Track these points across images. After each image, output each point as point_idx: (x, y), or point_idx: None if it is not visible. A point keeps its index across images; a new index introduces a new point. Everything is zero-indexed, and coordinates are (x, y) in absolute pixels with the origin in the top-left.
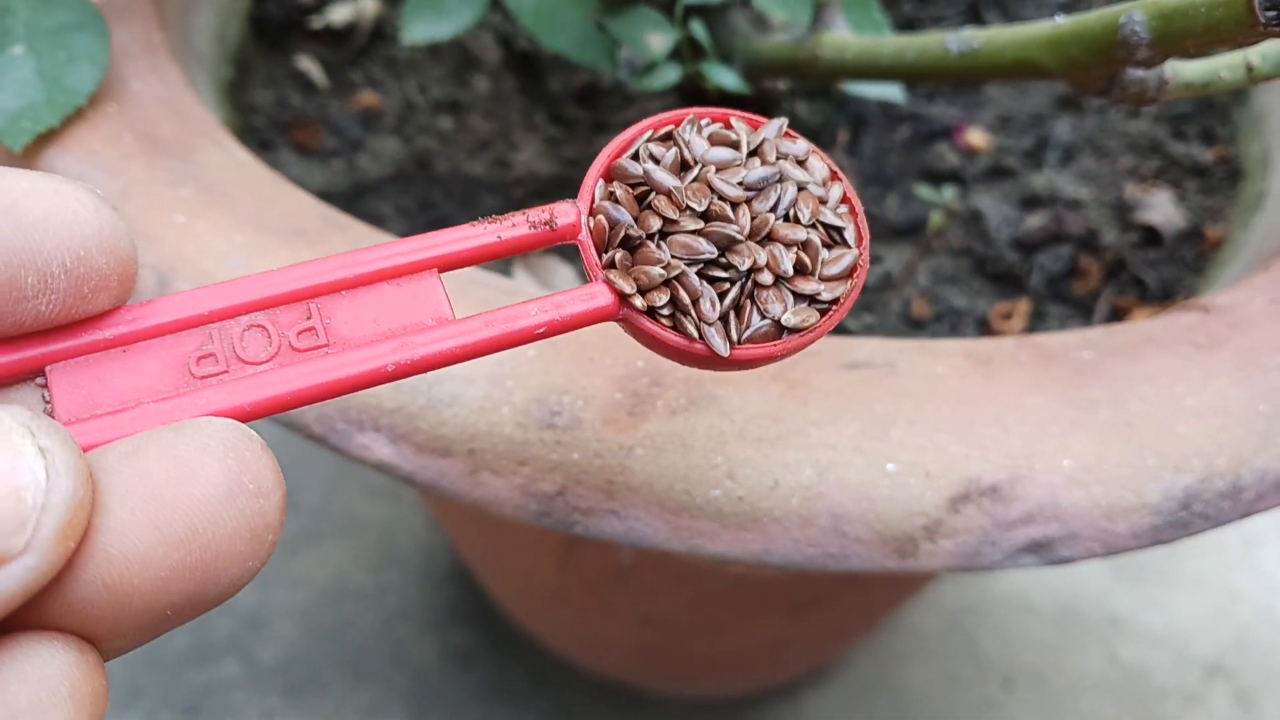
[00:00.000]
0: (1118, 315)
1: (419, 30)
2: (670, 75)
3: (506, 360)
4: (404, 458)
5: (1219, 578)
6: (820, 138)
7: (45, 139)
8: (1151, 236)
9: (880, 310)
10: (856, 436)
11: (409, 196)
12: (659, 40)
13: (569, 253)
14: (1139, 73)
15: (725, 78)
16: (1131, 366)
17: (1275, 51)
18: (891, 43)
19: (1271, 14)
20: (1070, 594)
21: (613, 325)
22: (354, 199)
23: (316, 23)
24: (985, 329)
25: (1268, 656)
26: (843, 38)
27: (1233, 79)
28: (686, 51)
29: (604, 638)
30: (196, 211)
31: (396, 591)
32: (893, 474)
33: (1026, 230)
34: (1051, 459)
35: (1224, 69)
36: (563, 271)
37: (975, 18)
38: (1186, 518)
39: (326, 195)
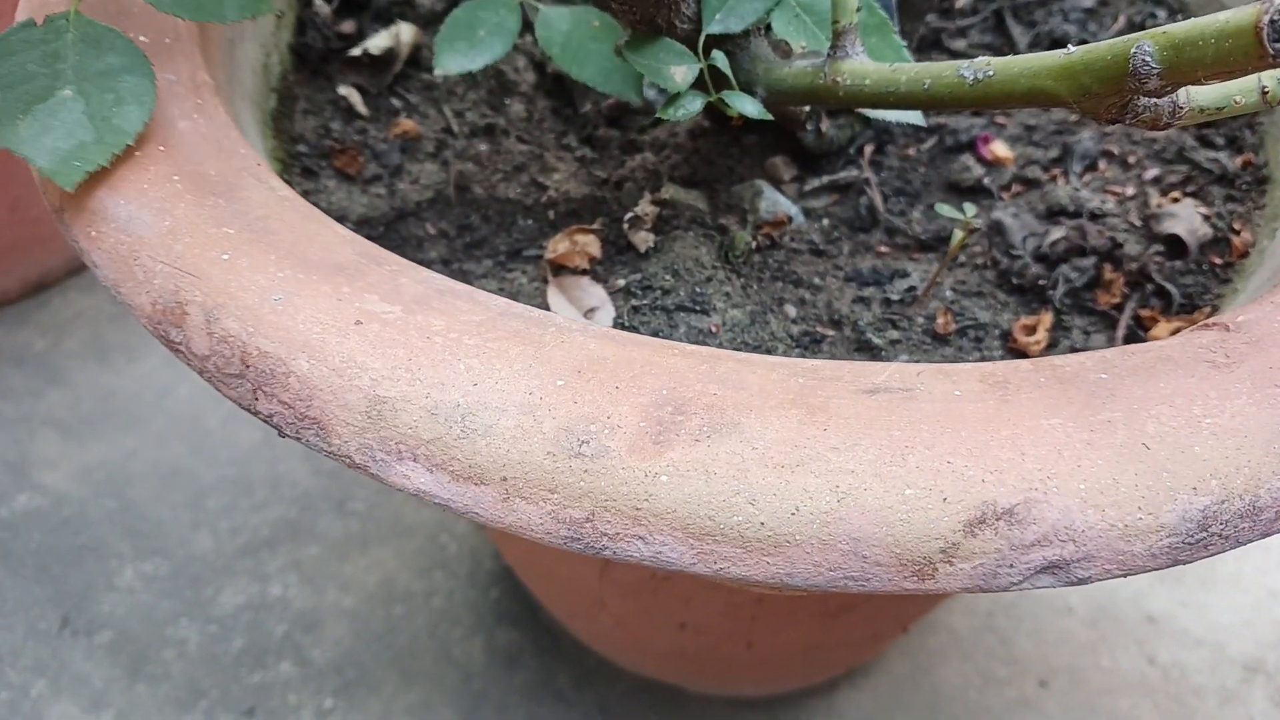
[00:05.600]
0: (1142, 327)
1: (451, 63)
2: (694, 106)
3: (536, 390)
4: (441, 486)
5: (1257, 577)
6: (846, 153)
7: (96, 180)
8: (1176, 247)
9: (905, 325)
10: (875, 462)
11: (447, 220)
12: (682, 73)
13: (601, 274)
14: (1152, 99)
15: (747, 106)
16: (1148, 387)
17: None
18: (908, 70)
19: None
20: (1106, 594)
21: (642, 353)
22: (394, 223)
23: (356, 51)
24: (1009, 342)
25: None
26: (861, 65)
27: (1247, 103)
28: (709, 81)
29: (642, 642)
30: (240, 249)
31: (444, 594)
32: (910, 498)
33: (1050, 243)
34: (1067, 481)
35: (1238, 93)
36: (594, 291)
37: (1000, 27)
38: (1205, 538)
39: (367, 220)
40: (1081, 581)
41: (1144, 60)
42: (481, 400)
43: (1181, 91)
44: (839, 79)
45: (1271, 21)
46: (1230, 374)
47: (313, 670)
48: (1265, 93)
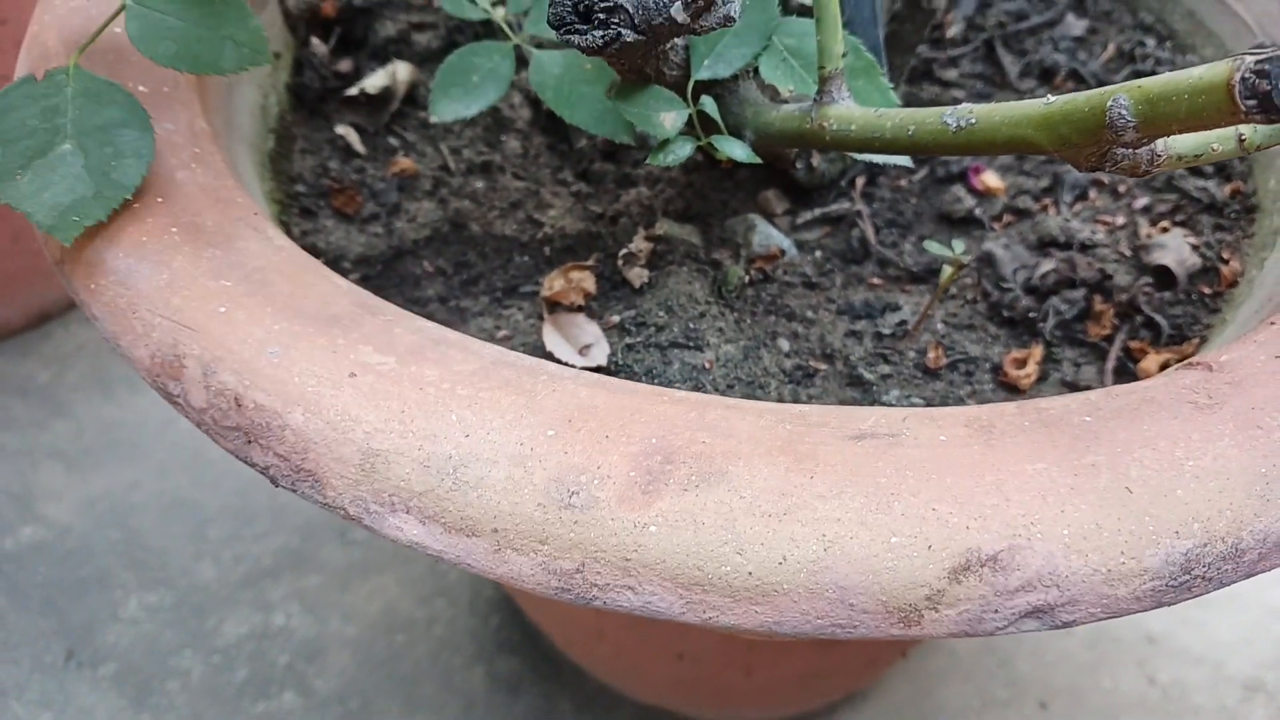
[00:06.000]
0: (1131, 358)
1: (446, 109)
2: (683, 151)
3: (527, 440)
4: (434, 538)
5: (1256, 594)
6: (838, 185)
7: (95, 232)
8: (1165, 277)
9: (896, 360)
10: (861, 510)
11: (445, 258)
12: (671, 118)
13: (596, 310)
14: (1130, 149)
15: (735, 150)
16: (1131, 430)
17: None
18: (893, 116)
19: (1252, 103)
20: None
21: (632, 401)
22: (392, 262)
23: (353, 90)
24: (999, 376)
25: None
26: (847, 111)
27: (1225, 150)
28: (698, 126)
29: (642, 670)
30: (237, 301)
31: (445, 621)
32: (896, 546)
33: (1040, 274)
34: (1050, 527)
35: (1215, 141)
36: (589, 328)
37: (990, 57)
38: (1188, 581)
39: (365, 259)
40: (1067, 625)
41: (1120, 114)
42: (473, 452)
43: (1159, 140)
44: (825, 124)
45: (1243, 79)
46: (1213, 415)
47: (316, 700)
48: (1242, 140)
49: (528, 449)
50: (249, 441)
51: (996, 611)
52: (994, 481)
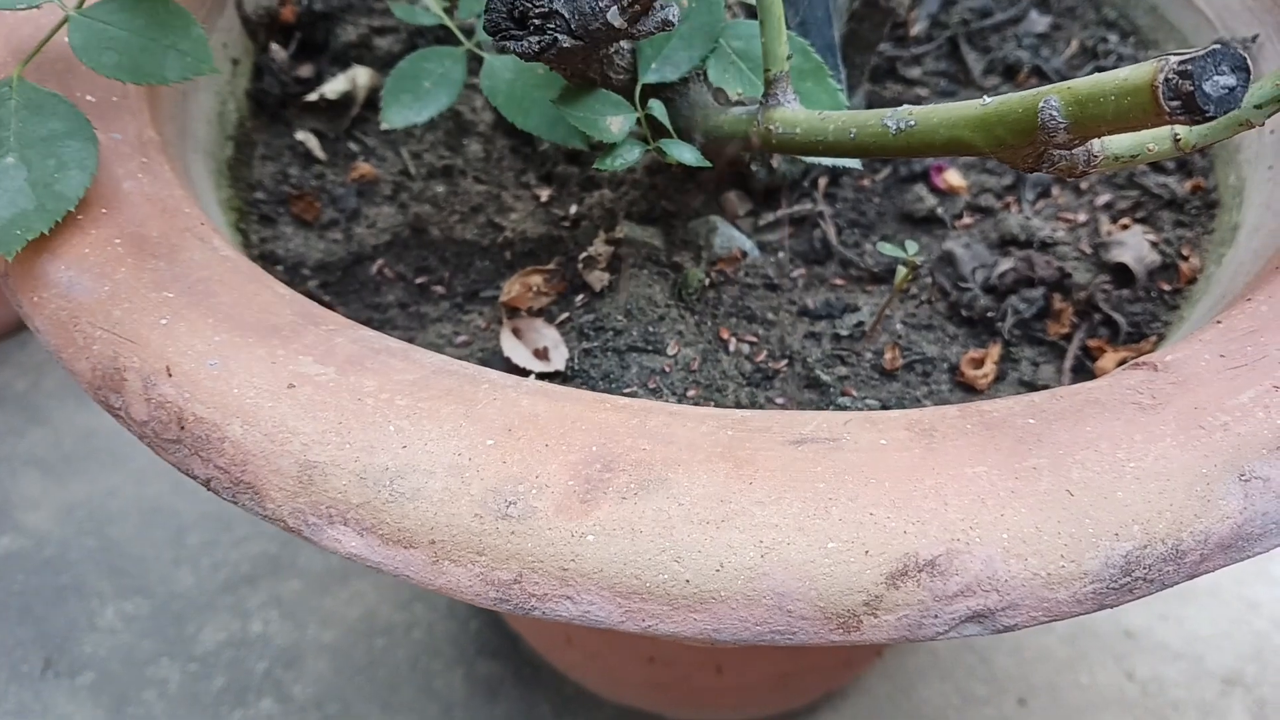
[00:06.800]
0: (1090, 357)
1: (397, 116)
2: (630, 155)
3: (465, 450)
4: (371, 549)
5: (1235, 589)
6: (801, 185)
7: (38, 245)
8: (1124, 275)
9: (853, 361)
10: (799, 515)
11: (405, 263)
12: (618, 123)
13: (555, 314)
14: (1065, 150)
15: (685, 154)
16: (1074, 431)
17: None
18: (836, 119)
19: (1176, 104)
20: None
21: (574, 409)
22: (351, 268)
23: (312, 96)
24: (956, 376)
25: None
26: (792, 114)
27: (1161, 150)
28: (647, 130)
29: (615, 673)
30: (179, 313)
31: (424, 626)
32: (833, 551)
33: (999, 274)
34: (989, 531)
35: (1151, 141)
36: (547, 333)
37: (954, 54)
38: (1129, 583)
39: (325, 266)
40: (1009, 629)
41: (1051, 115)
42: (410, 463)
43: (1096, 140)
44: (771, 127)
45: (1166, 80)
46: (1156, 416)
47: (294, 706)
48: (1178, 140)
49: (466, 459)
50: (190, 454)
51: (936, 617)
52: (933, 485)
